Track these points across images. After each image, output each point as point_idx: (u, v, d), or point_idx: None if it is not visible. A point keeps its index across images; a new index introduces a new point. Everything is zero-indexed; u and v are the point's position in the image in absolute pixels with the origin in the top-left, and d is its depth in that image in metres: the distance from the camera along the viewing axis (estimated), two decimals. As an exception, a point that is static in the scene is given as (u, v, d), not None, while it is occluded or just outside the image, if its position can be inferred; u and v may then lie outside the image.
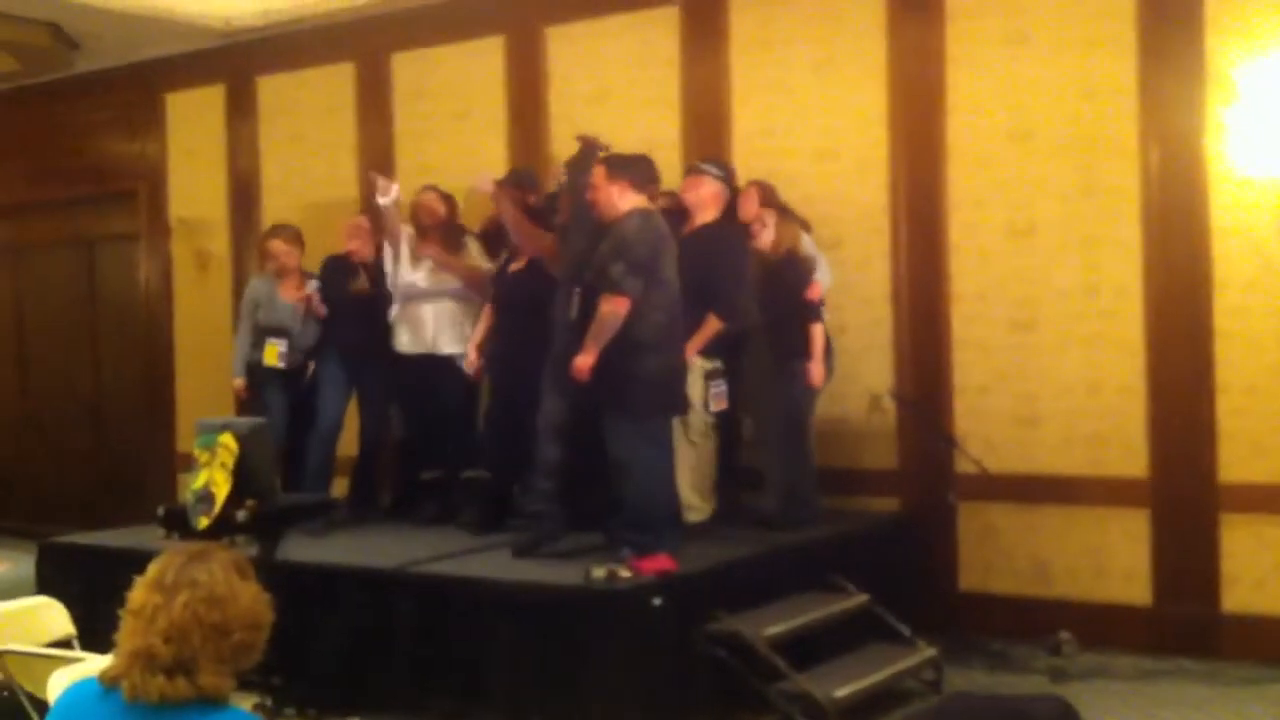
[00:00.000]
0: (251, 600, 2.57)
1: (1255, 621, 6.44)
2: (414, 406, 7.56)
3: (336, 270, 7.76)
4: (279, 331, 7.78)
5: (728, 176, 6.92)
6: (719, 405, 6.61)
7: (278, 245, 7.93)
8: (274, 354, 7.75)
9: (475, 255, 7.43)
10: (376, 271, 7.56)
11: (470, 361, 7.13)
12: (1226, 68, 6.49)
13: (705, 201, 6.71)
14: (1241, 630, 6.45)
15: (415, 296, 7.33)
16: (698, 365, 6.50)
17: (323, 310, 7.72)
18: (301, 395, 7.78)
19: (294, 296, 7.82)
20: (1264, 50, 6.42)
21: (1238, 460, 6.50)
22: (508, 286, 6.97)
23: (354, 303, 7.58)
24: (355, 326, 7.58)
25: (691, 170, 6.87)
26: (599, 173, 6.08)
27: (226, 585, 2.53)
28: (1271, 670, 6.20)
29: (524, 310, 6.72)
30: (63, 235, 10.97)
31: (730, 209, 6.93)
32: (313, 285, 7.78)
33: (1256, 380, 6.46)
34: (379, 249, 7.62)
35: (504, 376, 6.92)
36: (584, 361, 5.85)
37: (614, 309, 5.80)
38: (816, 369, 6.61)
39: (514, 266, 7.00)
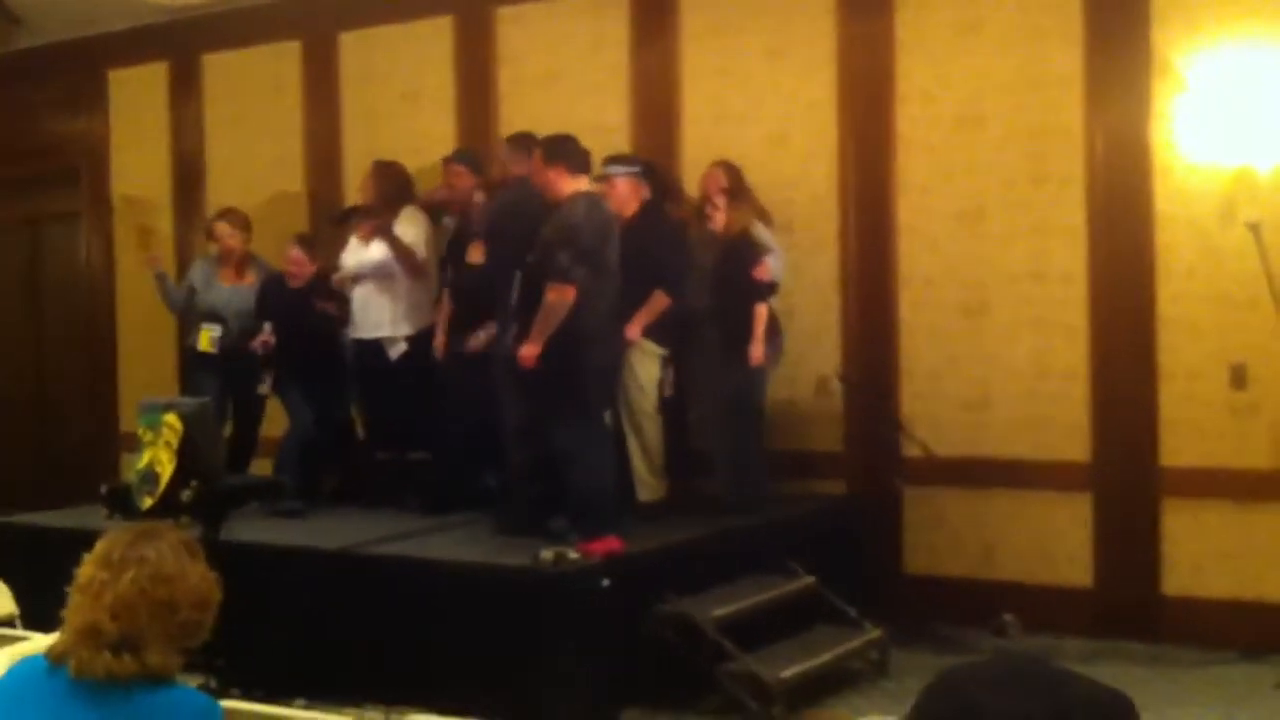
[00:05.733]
0: (199, 579, 2.55)
1: (1195, 605, 6.53)
2: (369, 391, 7.51)
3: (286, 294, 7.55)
4: (214, 316, 7.67)
5: (638, 165, 6.91)
6: (669, 391, 6.64)
7: (222, 227, 7.83)
8: (207, 339, 7.64)
9: (411, 225, 7.33)
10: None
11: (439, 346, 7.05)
12: (1172, 58, 6.56)
13: (625, 198, 6.66)
14: (1182, 613, 6.54)
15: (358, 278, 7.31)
16: (651, 349, 6.51)
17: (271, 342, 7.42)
18: (240, 380, 7.60)
19: (234, 281, 7.71)
20: (1209, 41, 6.49)
21: (1179, 445, 6.59)
22: (468, 277, 6.89)
23: (307, 323, 7.44)
24: (315, 348, 7.45)
25: (599, 178, 6.74)
26: (536, 156, 6.06)
27: (175, 563, 2.52)
28: (1211, 653, 6.29)
29: (483, 301, 6.71)
30: (3, 214, 10.80)
31: (660, 192, 6.95)
32: (267, 329, 7.40)
33: (1198, 366, 6.54)
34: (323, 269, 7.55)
35: (457, 363, 6.88)
36: (530, 351, 5.83)
37: (560, 298, 5.76)
38: (757, 349, 6.63)
39: (474, 258, 6.92)
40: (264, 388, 7.47)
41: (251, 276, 7.78)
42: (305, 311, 7.38)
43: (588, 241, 5.78)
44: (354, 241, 7.30)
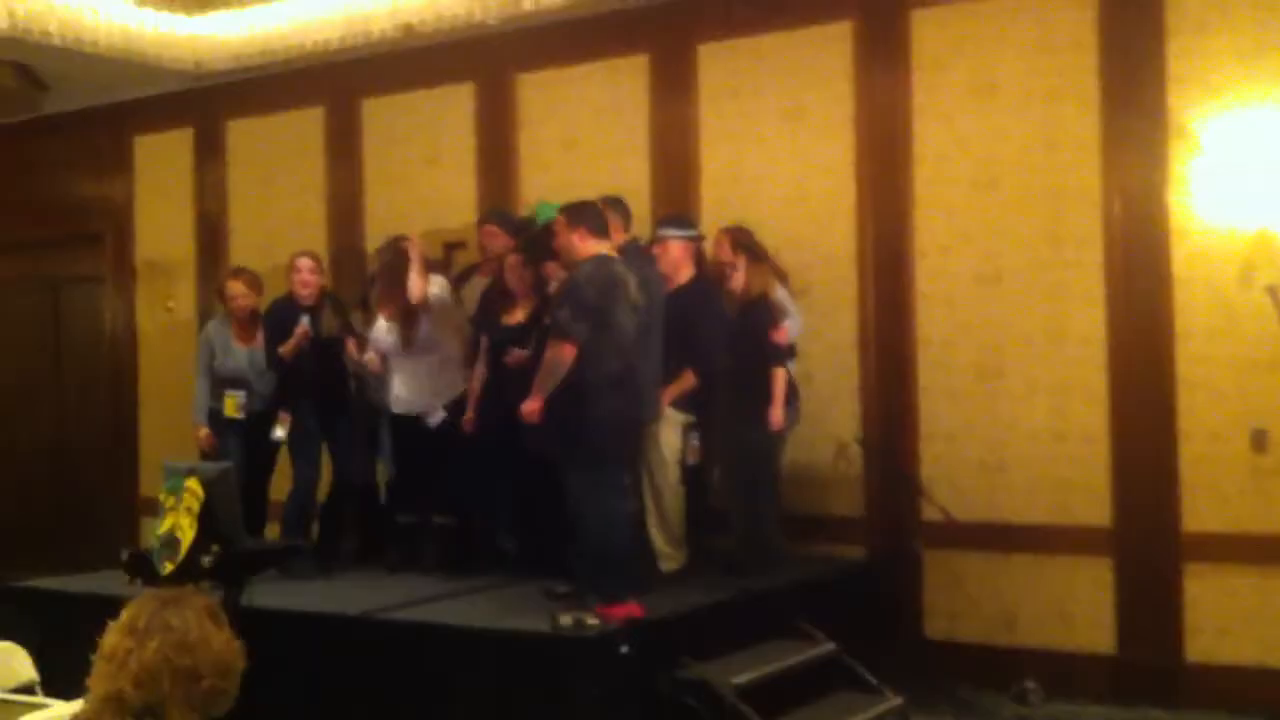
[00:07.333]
0: (223, 646, 2.55)
1: (1218, 670, 6.47)
2: (402, 456, 7.49)
3: (287, 313, 7.51)
4: (237, 382, 7.69)
5: (694, 229, 6.97)
6: (695, 458, 6.63)
7: (236, 286, 7.83)
8: (233, 405, 7.65)
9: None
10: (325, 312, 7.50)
11: (469, 421, 7.03)
12: (1188, 121, 6.59)
13: (678, 263, 6.76)
14: (1205, 679, 6.48)
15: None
16: (675, 418, 6.51)
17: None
18: (262, 442, 7.58)
19: (248, 342, 7.76)
20: (1225, 104, 6.52)
21: (1201, 509, 6.55)
22: (509, 340, 6.89)
23: (319, 346, 7.47)
24: (322, 371, 7.45)
25: (654, 240, 6.88)
26: (560, 222, 6.13)
27: (199, 631, 2.52)
28: (1235, 719, 6.23)
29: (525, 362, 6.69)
30: (27, 276, 10.90)
31: (702, 259, 7.00)
32: (305, 321, 7.40)
33: (1218, 429, 6.52)
34: (324, 291, 7.60)
35: (485, 425, 6.89)
36: (531, 406, 5.93)
37: (558, 354, 5.83)
38: (776, 413, 6.62)
39: (514, 319, 6.96)
40: (280, 431, 7.44)
41: (261, 336, 7.80)
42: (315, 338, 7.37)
43: (589, 298, 5.83)
44: (382, 321, 7.23)
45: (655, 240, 6.85)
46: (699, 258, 7.00)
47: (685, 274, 6.77)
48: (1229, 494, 6.49)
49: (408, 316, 7.02)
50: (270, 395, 7.61)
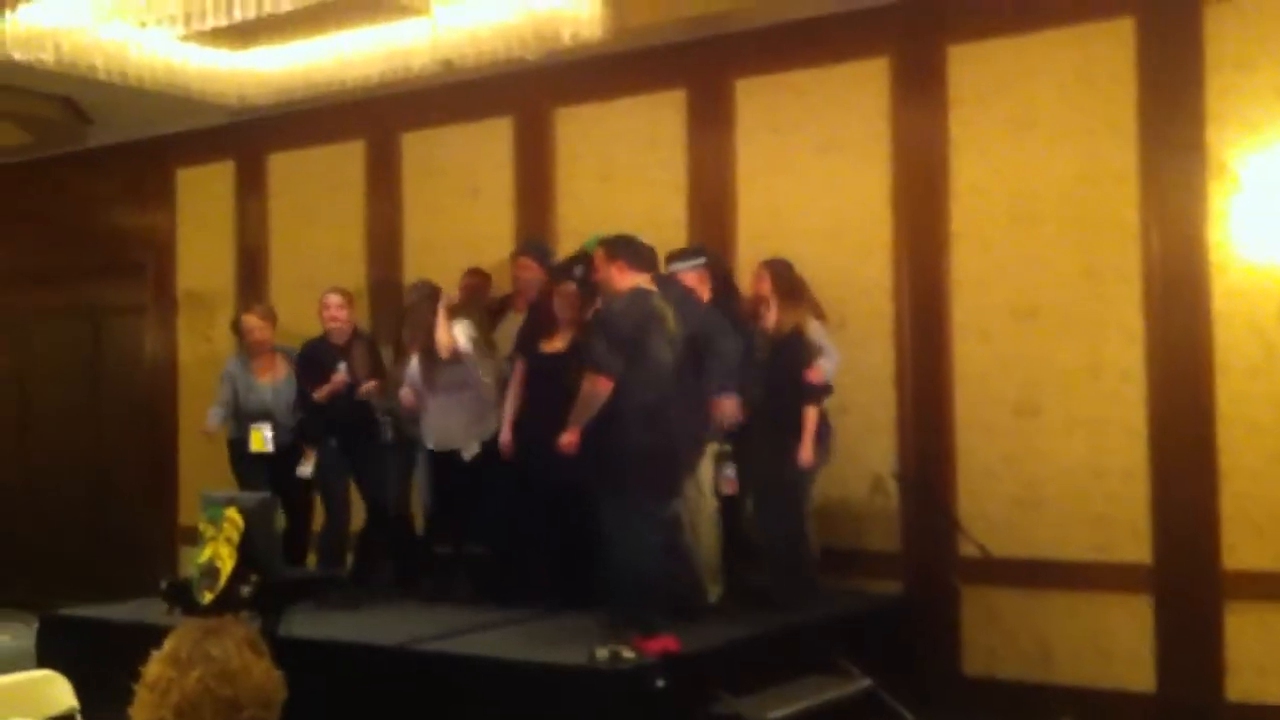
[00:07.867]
0: (263, 677, 2.56)
1: (1258, 710, 6.40)
2: (438, 489, 7.52)
3: (321, 355, 7.65)
4: (262, 415, 7.73)
5: (702, 256, 6.98)
6: (729, 489, 6.63)
7: (251, 320, 7.92)
8: (260, 440, 7.70)
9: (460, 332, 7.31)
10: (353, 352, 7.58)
11: (506, 443, 7.06)
12: (1227, 156, 6.57)
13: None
14: (1245, 718, 6.41)
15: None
16: (709, 448, 6.51)
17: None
18: (290, 474, 7.66)
19: (270, 376, 7.80)
20: (1264, 140, 6.50)
21: (1241, 546, 6.49)
22: (549, 368, 6.91)
23: (351, 386, 7.52)
24: (344, 405, 7.52)
25: (664, 276, 6.87)
26: (599, 254, 6.18)
27: (239, 661, 2.53)
28: (1276, 759, 6.17)
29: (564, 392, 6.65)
30: (69, 305, 11.02)
31: (723, 283, 7.00)
32: (342, 369, 7.53)
33: (1259, 466, 6.46)
34: (356, 331, 7.66)
35: (525, 455, 6.93)
36: (568, 438, 6.03)
37: (592, 387, 5.88)
38: (806, 451, 6.61)
39: (554, 347, 7.00)
40: (305, 469, 7.49)
41: (283, 369, 7.86)
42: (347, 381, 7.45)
43: (623, 331, 5.87)
44: (415, 358, 7.27)
45: (667, 276, 6.84)
46: (725, 281, 7.02)
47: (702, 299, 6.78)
48: (1270, 531, 6.42)
49: (430, 358, 7.10)
50: (296, 428, 7.67)
